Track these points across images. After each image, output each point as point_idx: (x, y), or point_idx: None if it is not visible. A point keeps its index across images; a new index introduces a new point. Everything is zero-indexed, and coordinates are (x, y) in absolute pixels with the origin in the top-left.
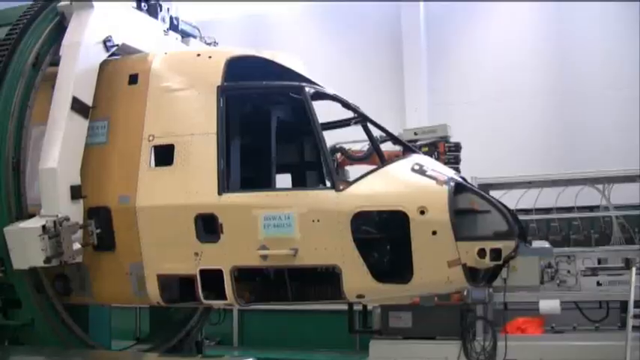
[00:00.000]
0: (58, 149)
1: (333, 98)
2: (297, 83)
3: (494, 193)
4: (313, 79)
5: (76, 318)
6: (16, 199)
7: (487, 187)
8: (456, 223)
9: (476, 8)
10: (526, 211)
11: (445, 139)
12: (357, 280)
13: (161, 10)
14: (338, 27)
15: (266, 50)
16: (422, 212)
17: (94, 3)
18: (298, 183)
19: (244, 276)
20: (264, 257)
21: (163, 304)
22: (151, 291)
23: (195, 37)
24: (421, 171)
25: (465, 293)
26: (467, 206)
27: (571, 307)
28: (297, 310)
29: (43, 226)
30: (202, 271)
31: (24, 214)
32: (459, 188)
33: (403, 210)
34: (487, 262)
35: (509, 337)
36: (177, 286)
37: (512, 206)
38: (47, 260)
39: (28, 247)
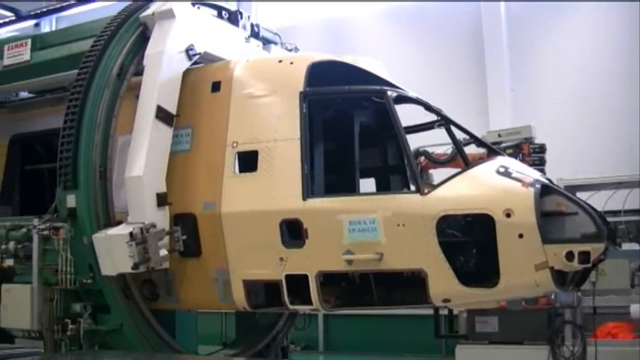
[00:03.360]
0: (144, 157)
1: (416, 101)
2: (379, 87)
3: (581, 195)
4: (395, 83)
5: (163, 323)
6: (104, 207)
7: (574, 188)
8: (543, 225)
9: (559, 6)
10: (615, 213)
11: (530, 140)
12: (443, 284)
13: (242, 18)
14: (418, 29)
15: (347, 54)
16: (508, 215)
17: (176, 13)
18: (382, 187)
19: (329, 281)
20: (350, 262)
21: (249, 309)
22: (236, 296)
23: (276, 43)
24: (506, 173)
25: (553, 297)
26: (554, 208)
27: None
28: (382, 314)
29: (131, 233)
30: (288, 277)
31: (111, 221)
32: (545, 190)
33: (489, 213)
34: (575, 265)
35: (600, 343)
36: (263, 292)
37: (599, 208)
38: (135, 266)
39: (116, 253)
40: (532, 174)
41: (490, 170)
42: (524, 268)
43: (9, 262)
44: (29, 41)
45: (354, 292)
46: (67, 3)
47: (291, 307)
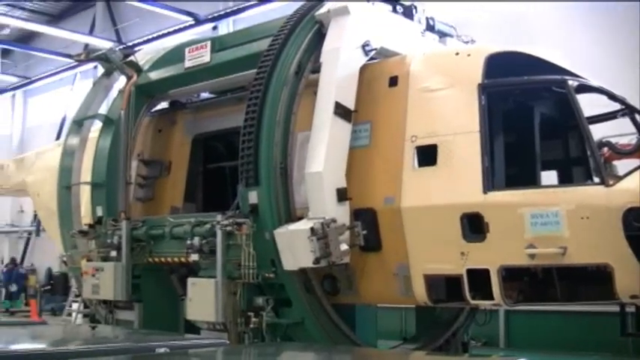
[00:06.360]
0: (324, 153)
1: (599, 90)
2: (559, 77)
3: None
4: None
5: (343, 317)
6: (285, 202)
7: None
8: None
9: None
10: None
11: None
12: (631, 279)
13: (416, 12)
14: (595, 19)
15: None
16: None
17: (351, 9)
18: (564, 179)
19: (511, 275)
20: (532, 256)
21: (430, 304)
22: (417, 291)
23: (452, 36)
24: None
25: None
26: None
27: None
28: (564, 310)
29: (312, 228)
30: (469, 271)
31: (292, 217)
32: None
33: None
34: None
35: None
36: (444, 286)
37: None
38: (316, 261)
39: (297, 248)
40: None
41: None
42: None
43: (194, 257)
44: (209, 43)
45: (536, 287)
46: (244, 5)
47: (472, 302)
